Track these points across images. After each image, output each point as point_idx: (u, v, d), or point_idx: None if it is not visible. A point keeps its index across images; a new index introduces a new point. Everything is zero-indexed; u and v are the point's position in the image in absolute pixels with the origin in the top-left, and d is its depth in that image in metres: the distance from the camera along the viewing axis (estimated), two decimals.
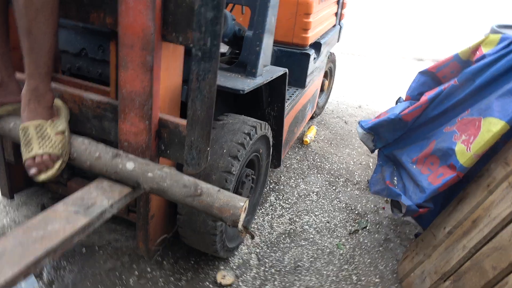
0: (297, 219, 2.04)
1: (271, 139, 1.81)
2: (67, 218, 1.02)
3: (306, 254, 1.82)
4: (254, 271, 1.69)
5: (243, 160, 1.54)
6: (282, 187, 2.30)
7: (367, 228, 2.02)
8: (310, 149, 2.73)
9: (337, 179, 2.43)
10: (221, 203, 1.07)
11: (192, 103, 1.07)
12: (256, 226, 1.96)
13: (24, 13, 1.05)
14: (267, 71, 1.64)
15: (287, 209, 2.11)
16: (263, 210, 2.08)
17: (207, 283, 1.61)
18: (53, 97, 1.21)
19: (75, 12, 1.20)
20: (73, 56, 1.67)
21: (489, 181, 1.34)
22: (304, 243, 1.88)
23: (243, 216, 1.07)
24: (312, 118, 3.14)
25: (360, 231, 2.00)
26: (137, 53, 1.08)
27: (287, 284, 1.64)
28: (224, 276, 1.64)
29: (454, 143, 1.38)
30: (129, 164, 1.16)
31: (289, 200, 2.19)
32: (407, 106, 1.63)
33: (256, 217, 2.01)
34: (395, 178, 1.69)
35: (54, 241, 0.94)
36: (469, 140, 1.32)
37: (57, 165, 1.16)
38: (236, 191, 1.62)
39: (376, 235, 1.97)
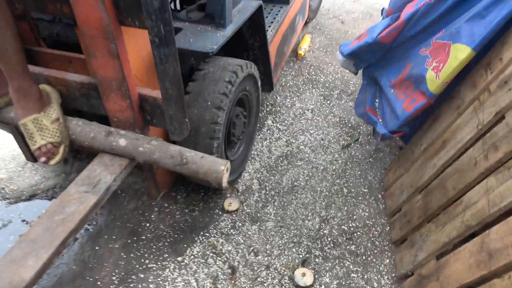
0: (293, 140, 2.20)
1: (257, 75, 1.86)
2: (79, 199, 1.21)
3: (302, 173, 2.02)
4: (256, 195, 1.93)
5: (229, 106, 1.63)
6: (278, 108, 2.41)
7: (359, 140, 2.17)
8: (305, 62, 2.74)
9: (331, 92, 2.49)
10: (205, 169, 1.22)
11: (162, 84, 1.15)
12: (255, 153, 2.14)
13: None
14: (239, 11, 1.61)
15: (284, 131, 2.26)
16: (261, 135, 2.24)
17: (217, 210, 1.88)
18: (38, 90, 1.30)
19: (32, 4, 1.21)
20: (48, 23, 1.68)
21: (458, 103, 1.40)
22: (300, 163, 2.07)
23: (225, 177, 1.23)
24: (306, 23, 3.05)
25: (352, 144, 2.15)
26: (101, 42, 1.13)
27: (285, 204, 1.88)
28: (231, 203, 1.89)
29: (426, 70, 1.40)
30: (122, 141, 1.30)
31: (286, 122, 2.32)
32: (385, 27, 1.60)
33: (255, 144, 2.18)
34: (377, 101, 1.75)
35: (73, 222, 1.15)
36: (438, 67, 1.33)
37: (61, 150, 1.32)
38: (229, 133, 1.75)
39: (367, 147, 2.13)
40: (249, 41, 1.93)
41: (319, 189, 1.94)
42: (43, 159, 1.30)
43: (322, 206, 1.87)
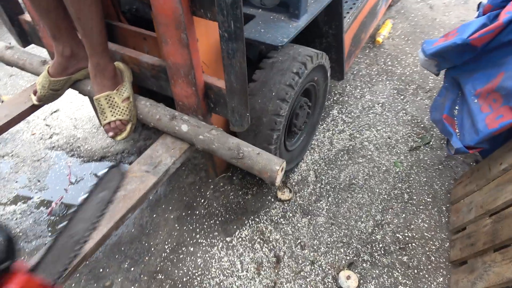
0: (357, 135, 2.10)
1: (327, 66, 1.78)
2: (141, 177, 1.28)
3: (362, 171, 1.94)
4: (311, 188, 1.90)
5: (294, 97, 1.59)
6: (346, 98, 2.30)
7: (430, 143, 2.01)
8: (382, 50, 2.55)
9: (407, 86, 2.31)
10: (260, 166, 1.21)
11: (227, 77, 1.15)
12: (316, 143, 2.09)
13: (69, 3, 1.15)
14: (316, 1, 1.52)
15: (349, 123, 2.16)
16: (324, 125, 2.17)
17: (269, 197, 1.89)
18: (114, 68, 1.37)
19: None
20: None
21: None
22: (361, 161, 1.99)
23: (279, 176, 1.22)
24: (389, 7, 2.81)
25: (422, 147, 2.01)
26: (173, 31, 1.14)
27: (339, 201, 1.83)
28: (284, 192, 1.89)
29: None
30: (184, 127, 1.33)
31: (352, 114, 2.21)
32: (479, 27, 1.40)
33: (317, 134, 2.13)
34: (457, 108, 1.58)
35: (133, 199, 1.23)
36: None
37: (128, 127, 1.39)
38: (290, 124, 1.72)
39: (439, 152, 1.96)
40: (324, 28, 1.84)
41: (377, 191, 1.86)
42: (111, 133, 1.38)
43: (379, 209, 1.79)
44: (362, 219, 1.76)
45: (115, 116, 1.36)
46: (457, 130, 1.53)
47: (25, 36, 1.79)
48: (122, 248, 1.77)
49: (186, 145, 1.37)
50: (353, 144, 2.07)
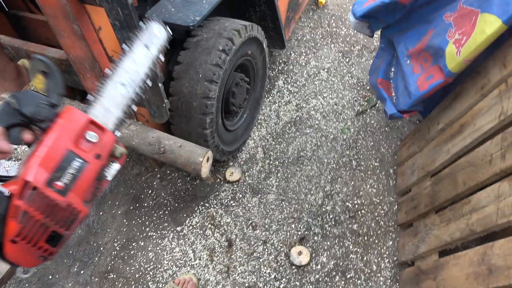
0: (304, 105, 2.04)
1: (261, 37, 1.68)
2: None
3: (309, 142, 1.90)
4: (260, 165, 1.85)
5: (225, 76, 1.49)
6: (291, 67, 2.22)
7: (377, 105, 1.97)
8: (326, 11, 2.45)
9: (352, 48, 2.24)
10: (183, 160, 1.14)
11: None
12: (263, 118, 2.02)
13: None
14: None
15: (295, 93, 2.09)
16: (270, 98, 2.09)
17: (218, 181, 1.83)
18: (15, 67, 1.24)
19: None
20: None
21: (483, 83, 1.18)
22: (308, 131, 1.94)
23: (205, 167, 1.15)
24: None
25: (368, 110, 1.97)
26: (63, 22, 1.02)
27: (289, 175, 1.80)
28: (232, 173, 1.83)
29: (446, 42, 1.16)
30: None
31: (298, 83, 2.14)
32: None
33: (262, 108, 2.05)
34: (393, 70, 1.52)
35: None
36: (460, 41, 1.10)
37: None
38: (227, 104, 1.64)
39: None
40: None
41: (326, 160, 1.83)
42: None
43: (328, 179, 1.77)
44: (312, 192, 1.73)
45: None
46: (393, 94, 1.49)
47: None
48: (70, 251, 1.70)
49: None
50: (300, 115, 2.01)
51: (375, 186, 1.73)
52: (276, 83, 2.16)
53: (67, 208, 0.58)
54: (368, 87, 2.07)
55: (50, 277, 1.64)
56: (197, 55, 1.43)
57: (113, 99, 0.74)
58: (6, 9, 1.51)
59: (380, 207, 1.66)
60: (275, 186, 1.77)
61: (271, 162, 1.86)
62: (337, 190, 1.73)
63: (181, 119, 1.48)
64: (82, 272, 1.62)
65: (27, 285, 1.64)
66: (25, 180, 0.54)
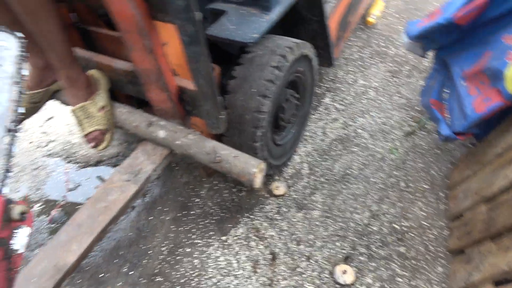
0: (351, 123, 2.04)
1: (312, 55, 1.72)
2: (121, 187, 1.27)
3: (356, 161, 1.89)
4: (305, 181, 1.86)
5: (277, 91, 1.54)
6: (338, 85, 2.23)
7: (427, 127, 1.94)
8: (374, 30, 2.46)
9: (401, 68, 2.23)
10: (238, 169, 1.19)
11: (196, 81, 1.12)
12: (309, 134, 2.04)
13: (25, 19, 1.12)
14: None
15: (342, 111, 2.10)
16: (317, 115, 2.11)
17: (263, 193, 1.86)
18: (86, 78, 1.34)
19: None
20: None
21: None
22: (355, 149, 1.93)
23: (258, 178, 1.19)
24: None
25: (417, 131, 1.94)
26: (135, 37, 1.11)
27: (334, 193, 1.79)
28: (278, 187, 1.86)
29: (505, 64, 1.14)
30: (161, 133, 1.31)
31: (345, 101, 2.15)
32: (462, 5, 1.31)
33: (309, 124, 2.07)
34: (447, 91, 1.50)
35: (114, 210, 1.22)
36: None
37: (108, 137, 1.37)
38: (277, 118, 1.67)
39: (435, 135, 1.89)
40: (306, 15, 1.77)
41: (373, 180, 1.81)
42: (91, 144, 1.37)
43: (374, 199, 1.74)
44: (358, 211, 1.72)
45: (92, 127, 1.34)
46: (447, 115, 1.46)
47: None
48: (121, 253, 1.78)
49: (166, 151, 1.35)
50: (347, 133, 2.01)
51: (424, 209, 1.68)
52: (322, 100, 2.18)
53: None
54: (417, 108, 2.04)
55: (102, 275, 1.72)
56: (251, 71, 1.49)
57: None
58: (78, 25, 1.65)
59: (429, 231, 1.62)
60: (320, 203, 1.77)
61: (317, 178, 1.86)
62: (384, 211, 1.70)
63: (233, 132, 1.54)
64: (131, 273, 1.70)
65: (80, 281, 1.73)
66: None
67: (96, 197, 1.26)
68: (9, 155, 0.61)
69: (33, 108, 1.51)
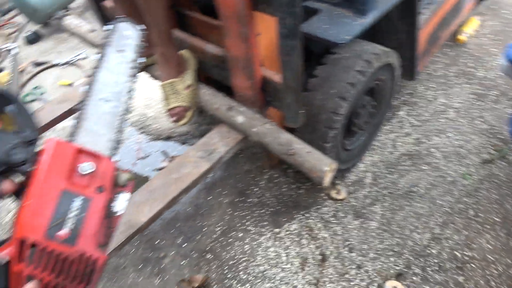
0: (424, 140, 1.97)
1: (396, 65, 1.68)
2: (195, 163, 1.35)
3: (424, 179, 1.82)
4: (367, 190, 1.84)
5: (356, 96, 1.53)
6: (416, 100, 2.15)
7: (508, 157, 1.81)
8: (464, 49, 2.33)
9: (488, 92, 2.09)
10: (310, 165, 1.21)
11: (283, 73, 1.15)
12: (377, 144, 2.00)
13: None
14: None
15: (416, 127, 2.03)
16: (389, 126, 2.06)
17: (322, 195, 1.86)
18: (178, 57, 1.44)
19: None
20: None
21: None
22: (425, 168, 1.86)
23: (328, 177, 1.20)
24: (480, 0, 2.54)
25: (497, 161, 1.82)
26: (234, 24, 1.17)
27: (396, 208, 1.75)
28: (338, 191, 1.85)
29: None
30: (239, 118, 1.36)
31: (421, 117, 2.07)
32: None
33: (379, 134, 2.03)
34: None
35: (185, 183, 1.30)
36: None
37: (189, 114, 1.46)
38: (350, 123, 1.67)
39: None
40: (397, 24, 1.73)
41: (440, 202, 1.74)
42: (173, 118, 1.46)
43: (438, 222, 1.67)
44: (418, 230, 1.66)
45: (177, 103, 1.43)
46: None
47: (106, 21, 1.94)
48: (178, 225, 1.88)
49: (240, 136, 1.41)
50: (418, 150, 1.94)
51: (492, 242, 1.59)
52: (397, 112, 2.12)
53: (80, 258, 0.48)
54: (500, 136, 1.91)
55: (157, 241, 1.84)
56: (334, 72, 1.50)
57: (99, 119, 0.64)
58: (175, 7, 1.76)
59: (493, 266, 1.52)
60: (379, 215, 1.74)
61: (379, 190, 1.83)
62: (446, 236, 1.63)
63: (305, 129, 1.56)
64: (184, 245, 1.79)
65: (136, 243, 1.86)
66: (20, 238, 0.45)
67: (171, 168, 1.35)
68: (121, 127, 0.68)
69: None
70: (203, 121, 2.37)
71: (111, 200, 0.54)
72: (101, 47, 0.70)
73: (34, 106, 2.62)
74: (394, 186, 1.83)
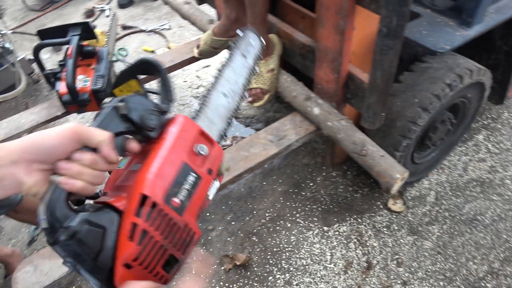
0: (500, 169, 1.84)
1: (488, 85, 1.58)
2: (264, 145, 1.38)
3: (492, 210, 1.71)
4: (427, 208, 1.76)
5: (438, 109, 1.47)
6: (499, 126, 2.01)
7: None
8: None
9: None
10: (381, 168, 1.19)
11: (373, 72, 1.13)
12: (447, 164, 1.90)
13: None
14: (499, 10, 1.34)
15: (494, 154, 1.90)
16: (464, 148, 1.95)
17: (378, 203, 1.82)
18: (268, 40, 1.46)
19: None
20: None
21: None
22: (495, 198, 1.75)
23: (397, 185, 1.17)
24: None
25: None
26: (332, 15, 1.17)
27: (455, 232, 1.67)
28: (396, 203, 1.79)
29: None
30: (316, 110, 1.37)
31: (501, 145, 1.94)
32: None
33: (451, 154, 1.93)
34: None
35: (252, 162, 1.33)
36: None
37: (266, 97, 1.49)
38: (425, 136, 1.60)
39: None
40: (497, 43, 1.63)
41: (505, 237, 1.63)
42: (249, 99, 1.50)
43: (499, 257, 1.58)
44: (476, 261, 1.58)
45: (257, 84, 1.46)
46: None
47: None
48: (230, 202, 1.94)
49: (313, 127, 1.41)
50: (491, 178, 1.82)
51: None
52: (475, 135, 2.00)
53: (185, 228, 0.51)
54: None
55: (208, 214, 1.91)
56: (420, 80, 1.45)
57: (216, 110, 0.70)
58: None
59: None
60: (436, 236, 1.67)
61: (441, 211, 1.75)
62: (506, 273, 1.53)
63: (377, 133, 1.53)
64: (233, 223, 1.84)
65: None
66: (143, 194, 0.47)
67: (241, 145, 1.39)
68: (230, 122, 0.74)
69: (211, 52, 1.71)
70: (270, 108, 2.39)
71: (212, 184, 0.57)
72: (231, 49, 0.77)
73: (117, 66, 2.80)
74: (458, 210, 1.74)
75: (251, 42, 0.84)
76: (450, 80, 1.40)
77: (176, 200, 0.49)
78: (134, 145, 0.53)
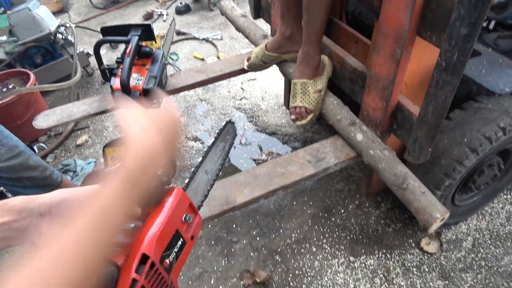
0: None
1: None
2: (302, 164, 1.37)
3: None
4: (462, 254, 1.67)
5: (487, 153, 1.40)
6: None
7: None
8: None
9: None
10: (420, 205, 1.14)
11: (425, 106, 1.10)
12: (489, 210, 1.81)
13: None
14: None
15: None
16: (508, 196, 1.85)
17: (410, 241, 1.75)
18: (320, 60, 1.46)
19: None
20: (358, 1, 1.80)
21: None
22: None
23: (436, 225, 1.12)
24: None
25: None
26: (389, 43, 1.15)
27: (490, 284, 1.56)
28: (430, 243, 1.72)
29: None
30: (359, 136, 1.34)
31: None
32: None
33: (495, 201, 1.84)
34: None
35: (288, 180, 1.32)
36: None
37: (309, 117, 1.48)
38: (469, 178, 1.53)
39: None
40: None
41: None
42: (293, 116, 1.50)
43: None
44: None
45: (303, 103, 1.46)
46: None
47: (258, 10, 2.06)
48: (257, 217, 1.93)
49: (353, 153, 1.38)
50: None
51: None
52: None
53: (171, 286, 0.58)
54: None
55: (234, 226, 1.90)
56: (471, 120, 1.39)
57: (199, 184, 0.81)
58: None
59: None
60: (468, 285, 1.57)
61: (477, 259, 1.65)
62: None
63: (419, 168, 1.48)
64: (258, 238, 1.83)
65: (216, 220, 1.95)
66: (144, 254, 0.53)
67: (279, 161, 1.38)
68: (208, 194, 0.84)
69: (260, 66, 1.73)
70: (310, 128, 2.38)
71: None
72: (215, 136, 0.90)
73: (168, 70, 2.90)
74: (496, 261, 1.64)
75: (230, 132, 0.97)
76: (505, 124, 1.34)
77: (167, 261, 0.57)
78: None
